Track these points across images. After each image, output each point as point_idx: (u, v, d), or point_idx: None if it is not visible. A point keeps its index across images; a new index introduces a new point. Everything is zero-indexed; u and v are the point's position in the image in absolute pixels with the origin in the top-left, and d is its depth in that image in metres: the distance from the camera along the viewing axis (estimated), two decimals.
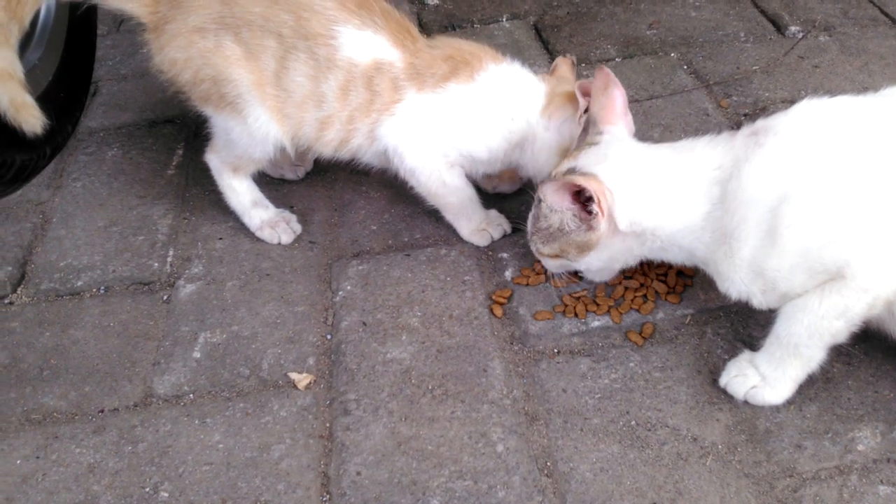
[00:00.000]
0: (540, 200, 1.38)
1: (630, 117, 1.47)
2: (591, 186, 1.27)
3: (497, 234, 1.66)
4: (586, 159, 1.36)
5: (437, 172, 1.57)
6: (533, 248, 1.46)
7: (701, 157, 1.31)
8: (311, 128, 1.55)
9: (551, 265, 1.47)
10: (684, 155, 1.33)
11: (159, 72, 1.57)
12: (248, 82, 1.49)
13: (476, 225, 1.65)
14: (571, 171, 1.35)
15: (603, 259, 1.40)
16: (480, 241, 1.65)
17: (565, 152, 1.53)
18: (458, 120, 1.53)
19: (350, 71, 1.49)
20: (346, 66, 1.48)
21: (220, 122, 1.58)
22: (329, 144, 1.58)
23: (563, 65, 1.65)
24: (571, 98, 1.54)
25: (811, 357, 1.26)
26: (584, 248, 1.36)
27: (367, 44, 1.50)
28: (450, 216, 1.66)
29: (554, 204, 1.34)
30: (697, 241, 1.30)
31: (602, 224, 1.31)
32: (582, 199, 1.31)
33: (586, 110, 1.49)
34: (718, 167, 1.28)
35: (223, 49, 1.48)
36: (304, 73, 1.49)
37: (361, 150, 1.59)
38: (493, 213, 1.68)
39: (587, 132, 1.46)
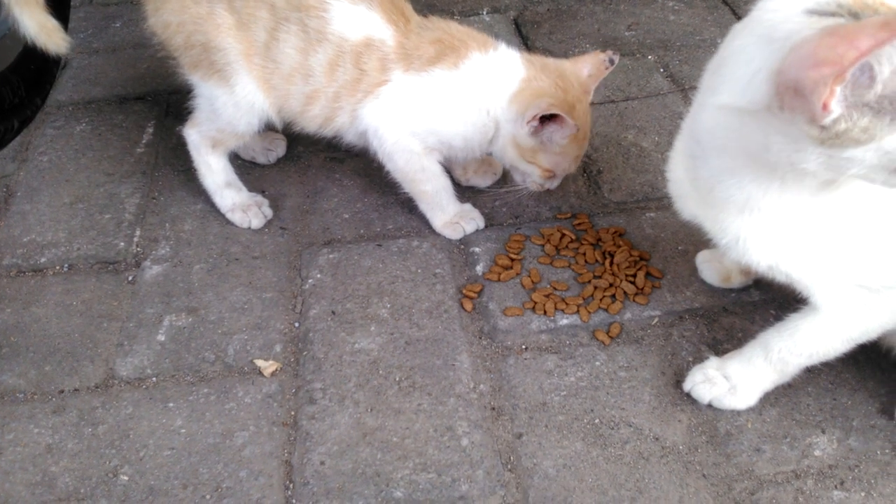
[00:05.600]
0: None
1: None
2: None
3: (470, 229, 1.65)
4: None
5: (416, 157, 1.57)
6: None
7: None
8: (297, 102, 1.54)
9: None
10: None
11: (153, 34, 1.56)
12: (237, 51, 1.48)
13: (450, 217, 1.65)
14: None
15: None
16: (453, 234, 1.65)
17: (520, 148, 1.53)
18: (437, 105, 1.53)
19: (340, 46, 1.48)
20: (336, 40, 1.47)
21: (207, 91, 1.56)
22: (314, 120, 1.57)
23: (589, 61, 1.57)
24: (541, 94, 1.50)
25: (791, 373, 1.28)
26: None
27: (360, 19, 1.48)
28: (424, 206, 1.66)
29: None
30: None
31: None
32: None
33: (543, 119, 1.47)
34: None
35: (215, 16, 1.47)
36: (294, 45, 1.48)
37: (344, 129, 1.58)
38: (468, 206, 1.67)
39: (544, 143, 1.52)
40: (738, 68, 0.94)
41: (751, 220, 1.09)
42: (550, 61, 1.58)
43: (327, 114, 1.55)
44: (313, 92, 1.52)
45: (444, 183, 1.63)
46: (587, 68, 1.57)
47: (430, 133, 1.56)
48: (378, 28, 1.49)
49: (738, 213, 1.10)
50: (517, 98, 1.51)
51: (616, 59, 1.58)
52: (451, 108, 1.53)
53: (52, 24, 1.52)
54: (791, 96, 0.86)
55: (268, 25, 1.47)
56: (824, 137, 0.86)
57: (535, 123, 1.48)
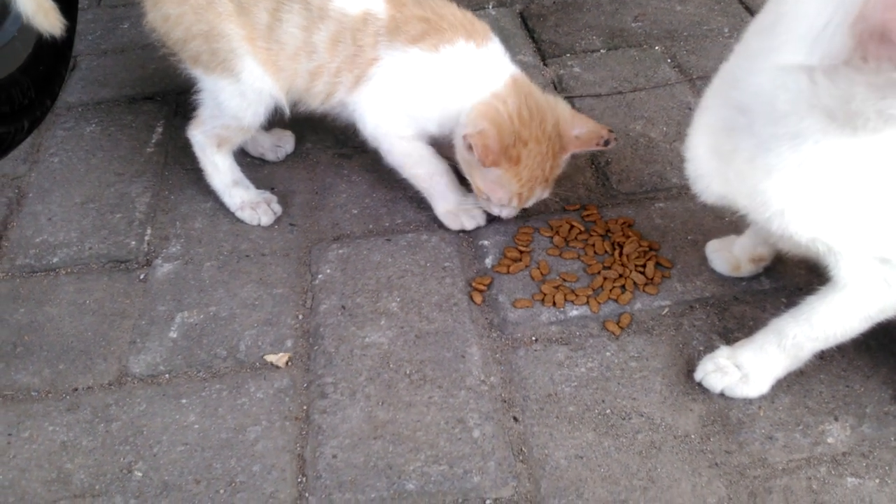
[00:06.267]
0: None
1: None
2: None
3: (469, 225, 1.63)
4: None
5: (399, 141, 1.57)
6: None
7: None
8: (303, 80, 1.54)
9: None
10: None
11: (152, 29, 1.56)
12: (239, 37, 1.49)
13: (451, 205, 1.63)
14: None
15: None
16: (452, 224, 1.63)
17: (462, 158, 1.52)
18: (411, 87, 1.52)
19: (341, 21, 1.48)
20: (337, 16, 1.48)
21: (210, 84, 1.56)
22: (317, 97, 1.58)
23: (587, 126, 1.53)
24: (488, 117, 1.46)
25: (805, 359, 1.27)
26: None
27: None
28: (423, 191, 1.64)
29: None
30: None
31: None
32: None
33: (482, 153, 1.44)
34: None
35: (215, 4, 1.48)
36: (297, 24, 1.48)
37: (341, 106, 1.59)
38: (472, 199, 1.65)
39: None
40: (801, 24, 0.89)
41: (797, 188, 1.05)
42: (542, 95, 1.53)
43: (328, 89, 1.55)
44: (317, 68, 1.52)
45: (438, 167, 1.61)
46: (579, 129, 1.52)
47: (407, 115, 1.55)
48: (374, 2, 1.50)
49: (783, 182, 1.06)
50: (475, 109, 1.49)
51: (612, 144, 1.52)
52: (425, 92, 1.52)
53: (49, 4, 1.53)
54: (876, 44, 0.80)
55: (269, 7, 1.48)
56: None
57: (469, 141, 1.45)
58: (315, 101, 1.59)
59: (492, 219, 1.65)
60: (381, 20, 1.50)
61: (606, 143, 1.52)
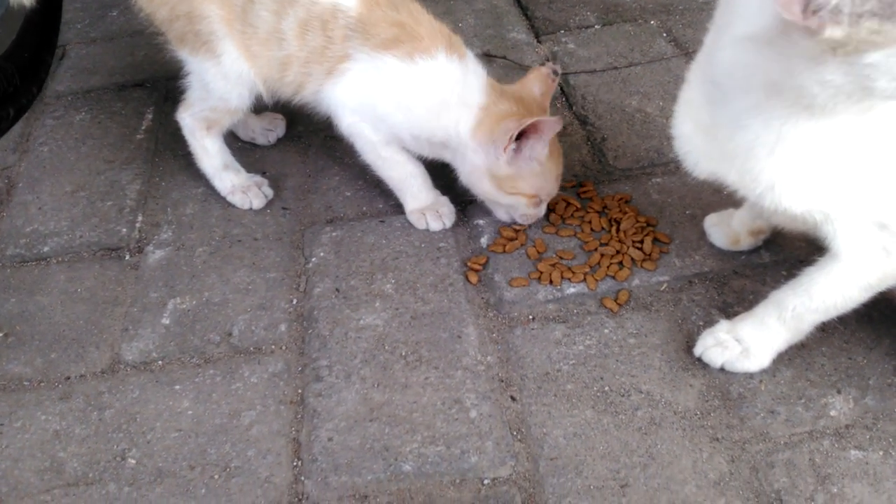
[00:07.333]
0: None
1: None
2: None
3: (434, 226, 1.58)
4: None
5: (371, 145, 1.53)
6: None
7: None
8: (275, 69, 1.51)
9: None
10: None
11: (139, 9, 1.54)
12: (219, 18, 1.46)
13: (421, 205, 1.59)
14: None
15: None
16: (418, 223, 1.60)
17: (497, 179, 1.48)
18: (386, 95, 1.46)
19: (309, 9, 1.44)
20: (306, 2, 1.44)
21: (196, 66, 1.54)
22: (289, 87, 1.53)
23: (535, 79, 1.52)
24: (503, 118, 1.44)
25: (805, 331, 1.25)
26: None
27: None
28: (394, 189, 1.61)
29: None
30: None
31: None
32: None
33: (518, 137, 1.41)
34: None
35: None
36: (268, 7, 1.45)
37: (316, 101, 1.54)
38: (443, 200, 1.60)
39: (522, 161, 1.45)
40: None
41: (783, 161, 1.03)
42: (507, 87, 1.52)
43: (299, 80, 1.51)
44: (286, 57, 1.48)
45: (412, 170, 1.57)
46: (537, 86, 1.51)
47: (380, 120, 1.50)
48: None
49: (768, 157, 1.04)
50: (480, 130, 1.45)
51: (558, 69, 1.53)
52: (399, 102, 1.47)
53: None
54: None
55: None
56: (835, 46, 0.80)
57: (514, 146, 1.42)
58: (288, 91, 1.54)
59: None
60: (350, 16, 1.44)
61: (556, 72, 1.53)
